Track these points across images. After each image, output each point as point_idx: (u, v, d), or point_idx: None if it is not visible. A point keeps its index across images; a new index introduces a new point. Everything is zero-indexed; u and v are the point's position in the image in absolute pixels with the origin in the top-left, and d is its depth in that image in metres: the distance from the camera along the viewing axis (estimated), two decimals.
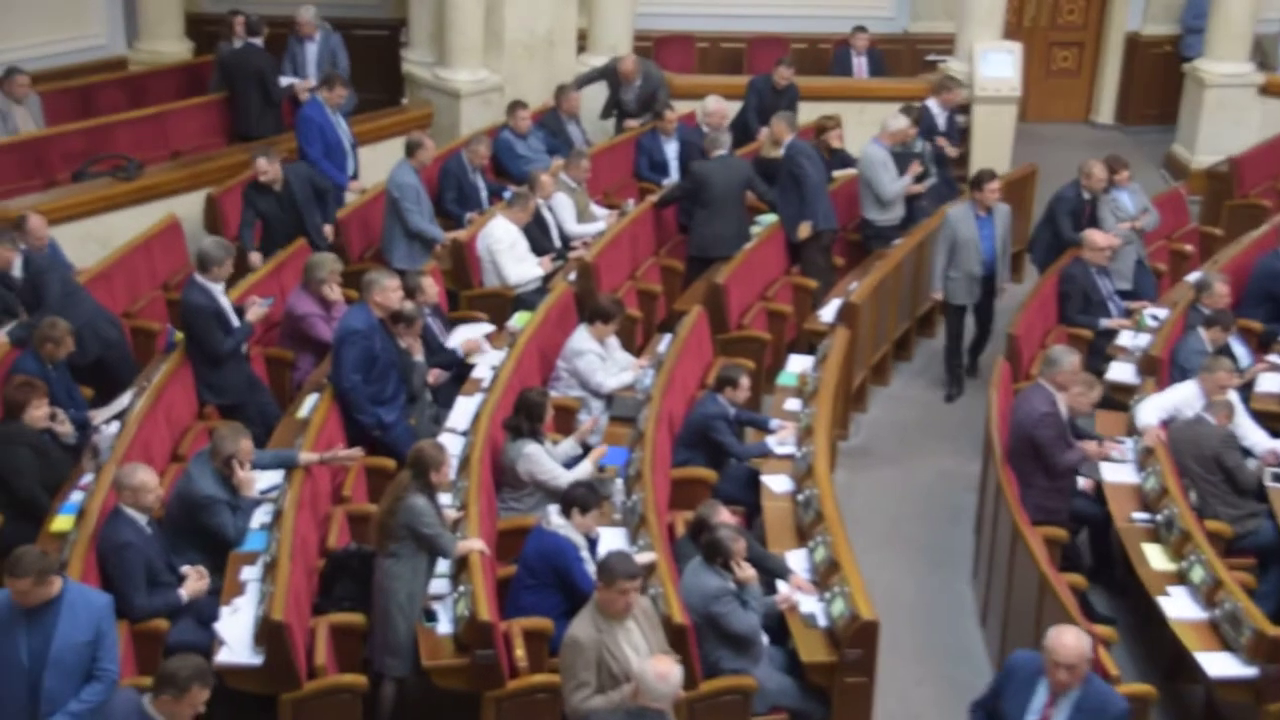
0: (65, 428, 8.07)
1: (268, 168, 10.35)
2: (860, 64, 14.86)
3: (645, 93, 13.13)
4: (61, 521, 7.51)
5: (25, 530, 7.56)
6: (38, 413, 7.80)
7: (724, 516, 7.36)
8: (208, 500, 7.38)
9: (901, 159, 11.66)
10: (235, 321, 8.88)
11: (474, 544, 7.16)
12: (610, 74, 13.17)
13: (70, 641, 6.08)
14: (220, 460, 7.45)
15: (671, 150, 12.62)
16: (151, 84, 13.90)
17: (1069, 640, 6.05)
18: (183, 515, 7.40)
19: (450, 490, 7.70)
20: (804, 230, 11.07)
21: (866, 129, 13.52)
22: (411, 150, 10.93)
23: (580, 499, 7.30)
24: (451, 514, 7.44)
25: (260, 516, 7.63)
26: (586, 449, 8.59)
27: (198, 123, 12.97)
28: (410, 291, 9.29)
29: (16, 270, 9.05)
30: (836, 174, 11.91)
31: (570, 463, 8.31)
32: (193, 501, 7.38)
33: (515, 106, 12.34)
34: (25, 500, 7.70)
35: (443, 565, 7.29)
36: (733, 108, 13.16)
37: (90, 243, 10.58)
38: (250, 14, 13.29)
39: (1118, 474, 8.55)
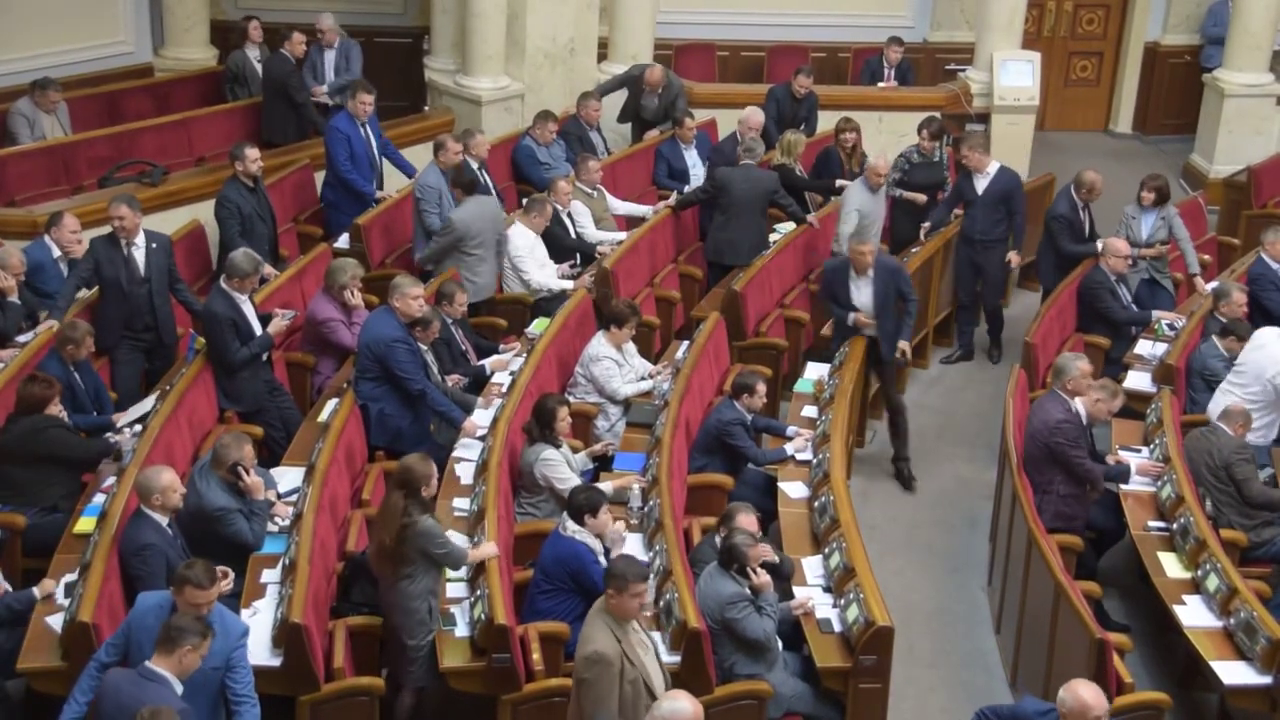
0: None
1: (259, 157, 10.46)
2: (890, 75, 14.84)
3: (666, 101, 13.20)
4: (84, 523, 7.61)
5: (51, 529, 7.69)
6: (54, 409, 7.99)
7: (746, 522, 7.38)
8: (221, 512, 7.42)
9: (922, 169, 11.70)
10: (257, 330, 8.97)
11: (487, 550, 7.17)
12: (632, 82, 13.23)
13: (204, 667, 6.12)
14: (225, 469, 7.50)
15: (691, 158, 12.67)
16: (177, 90, 14.03)
17: (1089, 697, 6.01)
18: (196, 530, 7.41)
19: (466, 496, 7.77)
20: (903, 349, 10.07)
21: (885, 138, 13.62)
22: (436, 151, 11.02)
23: (586, 503, 7.32)
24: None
25: (280, 520, 7.71)
26: (599, 464, 8.65)
27: (222, 129, 13.06)
28: (441, 298, 9.40)
29: (140, 241, 9.23)
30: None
31: (584, 474, 8.36)
32: (206, 516, 7.41)
33: (546, 118, 12.39)
34: (86, 462, 8.12)
35: (461, 569, 7.35)
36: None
37: None
38: (264, 21, 13.44)
39: (1134, 482, 8.58)
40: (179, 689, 5.99)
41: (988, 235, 11.08)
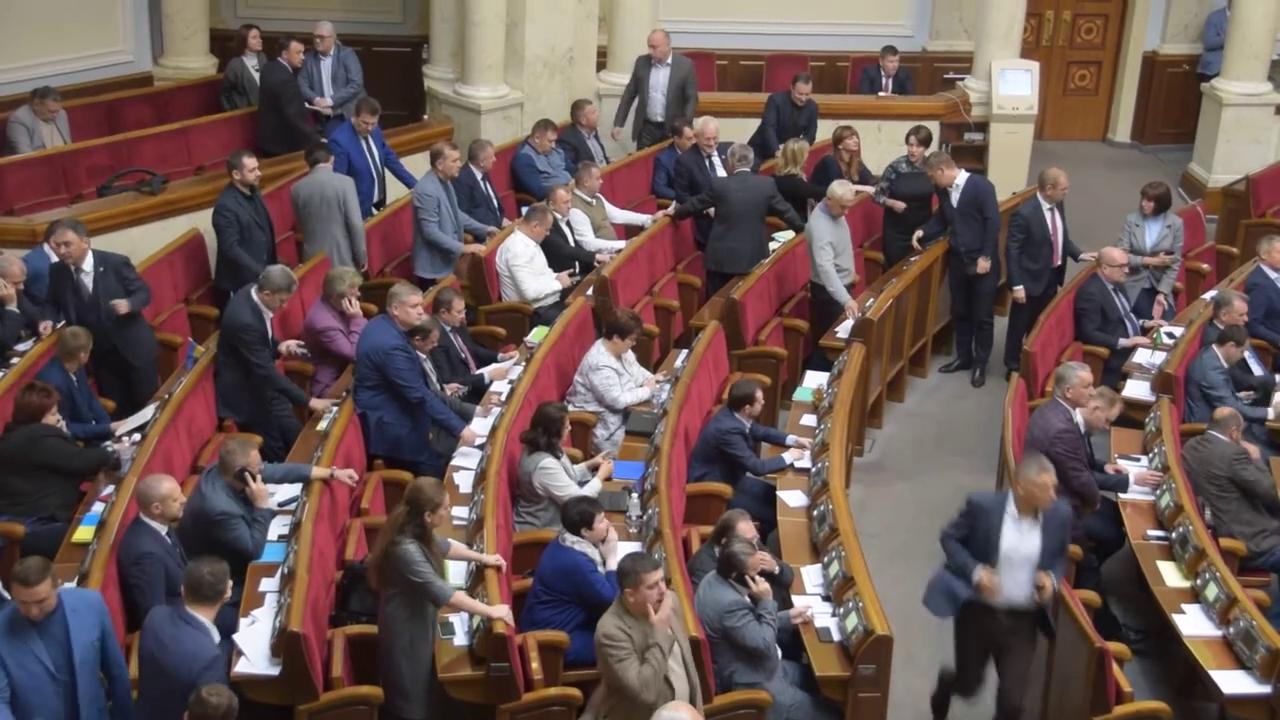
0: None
1: (256, 165, 10.49)
2: (888, 84, 14.85)
3: (676, 78, 13.11)
4: (82, 532, 7.60)
5: (48, 539, 7.67)
6: (51, 418, 8.01)
7: (746, 530, 7.38)
8: (223, 516, 7.42)
9: (909, 179, 11.67)
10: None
11: (496, 611, 6.84)
12: (638, 65, 13.16)
13: (88, 642, 6.20)
14: (231, 474, 7.50)
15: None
16: (176, 99, 14.05)
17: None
18: (198, 533, 7.41)
19: (466, 504, 7.75)
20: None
21: (884, 146, 13.61)
22: (433, 160, 11.03)
23: (581, 517, 7.29)
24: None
25: (278, 528, 7.70)
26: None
27: (221, 138, 13.08)
28: (439, 306, 9.40)
29: (88, 265, 9.19)
30: (857, 189, 11.91)
31: (582, 482, 8.36)
32: (208, 519, 7.42)
33: (545, 127, 12.40)
34: (83, 472, 8.10)
35: (461, 577, 7.33)
36: (751, 124, 13.24)
37: None
38: (263, 30, 13.47)
39: (1133, 491, 8.57)
40: (216, 637, 6.28)
41: (970, 246, 11.01)
